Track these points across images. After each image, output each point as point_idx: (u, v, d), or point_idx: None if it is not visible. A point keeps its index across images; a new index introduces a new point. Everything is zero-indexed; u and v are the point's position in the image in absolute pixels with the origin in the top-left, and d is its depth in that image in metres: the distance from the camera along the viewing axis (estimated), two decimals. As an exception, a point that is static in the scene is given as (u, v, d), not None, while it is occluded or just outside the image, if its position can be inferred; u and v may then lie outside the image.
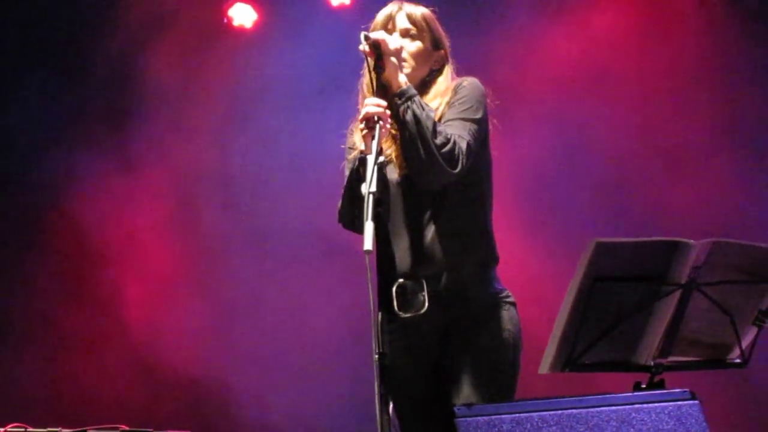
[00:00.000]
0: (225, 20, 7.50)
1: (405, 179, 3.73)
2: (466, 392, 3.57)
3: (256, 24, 7.50)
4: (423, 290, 3.63)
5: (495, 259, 3.79)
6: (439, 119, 3.70)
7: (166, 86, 7.40)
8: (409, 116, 3.56)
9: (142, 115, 7.45)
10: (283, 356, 7.20)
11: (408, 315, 3.63)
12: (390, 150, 3.76)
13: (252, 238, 7.38)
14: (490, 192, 3.87)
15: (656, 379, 3.44)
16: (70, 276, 7.33)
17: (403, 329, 3.67)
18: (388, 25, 3.88)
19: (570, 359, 3.39)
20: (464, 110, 3.74)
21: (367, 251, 3.16)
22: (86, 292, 7.32)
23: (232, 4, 7.50)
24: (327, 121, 6.01)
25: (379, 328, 3.25)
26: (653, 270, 3.35)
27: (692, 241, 3.35)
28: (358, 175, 3.57)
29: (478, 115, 3.75)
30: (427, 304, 3.61)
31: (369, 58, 3.61)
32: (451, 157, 3.56)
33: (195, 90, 7.45)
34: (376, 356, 3.23)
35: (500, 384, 3.62)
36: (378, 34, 3.65)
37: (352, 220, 3.73)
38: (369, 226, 3.21)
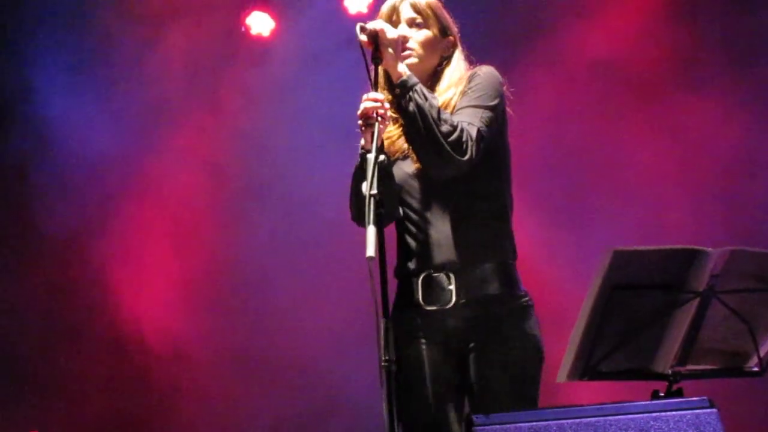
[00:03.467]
0: (243, 29, 7.53)
1: (423, 172, 3.68)
2: (488, 404, 3.55)
3: (274, 32, 7.53)
4: (450, 283, 3.59)
5: (515, 255, 3.74)
6: (453, 109, 3.66)
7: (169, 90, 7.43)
8: (411, 107, 3.49)
9: (149, 121, 7.48)
10: (282, 361, 7.21)
11: (434, 308, 3.59)
12: (405, 144, 3.72)
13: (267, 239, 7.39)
14: (509, 183, 3.79)
15: (674, 387, 3.43)
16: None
17: (426, 323, 3.62)
18: (393, 17, 3.79)
19: (588, 367, 3.39)
20: (477, 97, 3.66)
21: (370, 258, 3.13)
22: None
23: (249, 13, 7.53)
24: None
25: (385, 334, 3.21)
26: (671, 278, 3.35)
27: (710, 249, 3.34)
28: (361, 172, 3.53)
29: (493, 102, 3.66)
30: (454, 298, 3.58)
31: (367, 49, 3.55)
32: (459, 145, 3.48)
33: (206, 95, 7.48)
34: (384, 363, 3.20)
35: (524, 398, 3.60)
36: (374, 24, 3.58)
37: (360, 218, 3.65)
38: (371, 231, 3.16)
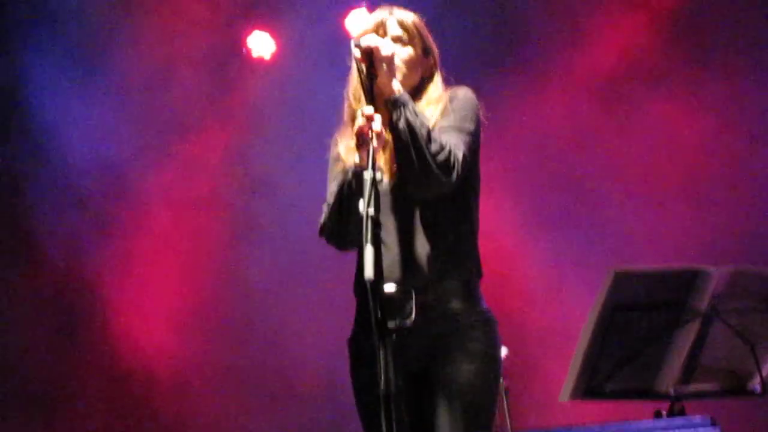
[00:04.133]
0: (244, 51, 7.55)
1: (394, 187, 3.66)
2: (444, 426, 3.51)
3: (275, 55, 7.55)
4: (411, 300, 3.56)
5: (479, 275, 3.72)
6: (432, 127, 3.65)
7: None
8: (402, 123, 3.46)
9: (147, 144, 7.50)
10: (286, 384, 7.21)
11: (396, 326, 3.53)
12: (380, 159, 3.69)
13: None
14: (477, 207, 3.79)
15: (677, 406, 3.43)
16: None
17: (387, 340, 3.56)
18: (379, 32, 3.77)
19: (591, 387, 3.39)
20: (460, 118, 3.62)
21: (369, 279, 3.12)
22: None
23: (250, 32, 7.55)
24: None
25: (384, 359, 3.19)
26: (673, 298, 3.35)
27: (712, 268, 3.34)
28: (350, 189, 3.47)
29: (474, 127, 3.65)
30: (414, 315, 3.54)
31: (361, 65, 3.48)
32: (447, 165, 3.45)
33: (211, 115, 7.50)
34: (382, 389, 3.19)
35: (478, 423, 3.56)
36: (371, 40, 3.57)
37: (340, 235, 3.58)
38: (369, 251, 3.12)
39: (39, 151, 7.30)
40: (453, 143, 3.53)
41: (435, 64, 3.83)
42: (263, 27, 7.54)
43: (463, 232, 3.68)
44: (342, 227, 3.58)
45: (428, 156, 3.46)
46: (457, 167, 3.50)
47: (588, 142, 7.03)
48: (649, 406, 3.49)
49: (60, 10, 7.20)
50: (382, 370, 3.17)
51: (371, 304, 3.19)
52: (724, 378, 3.51)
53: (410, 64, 3.76)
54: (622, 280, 3.27)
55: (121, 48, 7.25)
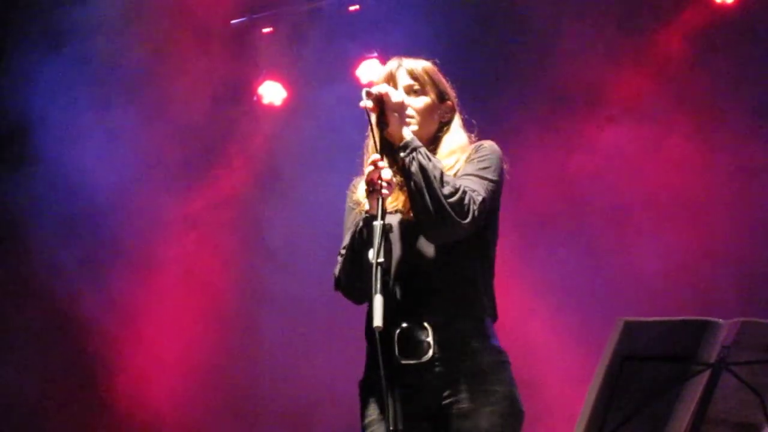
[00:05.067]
0: (255, 98, 7.60)
1: (411, 226, 3.67)
2: None
3: (286, 101, 7.60)
4: (428, 336, 3.56)
5: (494, 316, 3.71)
6: (455, 175, 3.66)
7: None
8: (414, 167, 3.46)
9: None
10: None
11: (411, 362, 3.53)
12: (396, 201, 3.71)
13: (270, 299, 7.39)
14: (494, 251, 3.79)
15: (686, 459, 3.41)
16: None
17: (402, 377, 3.49)
18: (390, 83, 3.78)
19: (599, 439, 3.38)
20: (482, 168, 3.65)
21: (377, 328, 3.12)
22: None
23: (261, 82, 7.61)
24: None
25: (393, 405, 3.19)
26: (682, 349, 3.34)
27: (721, 320, 3.34)
28: (361, 237, 3.52)
29: (497, 177, 3.68)
30: (431, 352, 3.54)
31: (372, 114, 3.53)
32: (461, 208, 3.46)
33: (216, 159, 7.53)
34: (390, 428, 3.19)
35: None
36: (380, 88, 3.58)
37: (354, 287, 3.62)
38: (378, 300, 3.14)
39: (44, 180, 7.31)
40: (470, 187, 3.55)
41: (453, 108, 3.85)
42: (275, 77, 7.62)
43: (479, 273, 3.69)
44: (355, 278, 3.59)
45: (441, 198, 3.47)
46: (473, 209, 3.51)
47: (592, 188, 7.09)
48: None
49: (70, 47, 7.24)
50: (389, 408, 3.18)
51: (379, 349, 3.21)
52: (733, 430, 3.49)
53: (425, 112, 3.79)
54: (630, 330, 3.26)
55: (131, 86, 7.31)
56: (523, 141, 6.94)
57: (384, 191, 3.41)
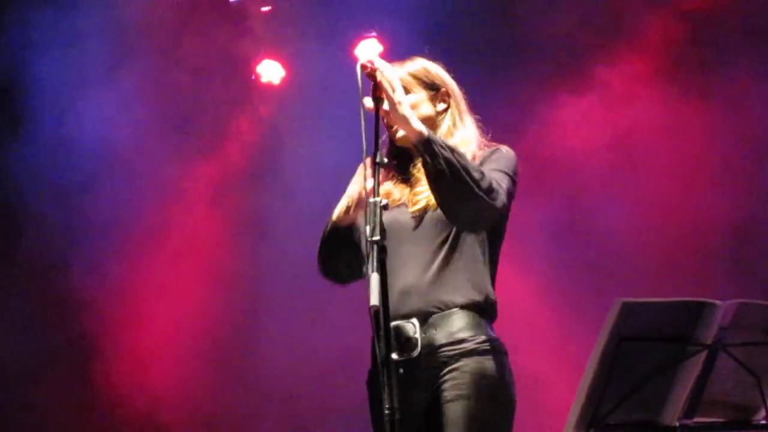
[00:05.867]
0: (253, 77, 7.58)
1: (416, 221, 3.67)
2: None
3: (284, 80, 7.58)
4: (415, 332, 3.56)
5: (492, 314, 3.68)
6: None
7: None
8: (441, 164, 3.40)
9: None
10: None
11: (402, 358, 3.54)
12: (402, 195, 3.72)
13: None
14: (498, 251, 3.79)
15: (682, 439, 3.42)
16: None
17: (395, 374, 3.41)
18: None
19: (595, 420, 3.38)
20: (504, 166, 3.65)
21: (374, 306, 3.12)
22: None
23: (259, 61, 7.58)
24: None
25: (388, 383, 3.19)
26: (679, 330, 3.35)
27: (718, 301, 3.34)
28: (347, 214, 3.62)
29: (515, 177, 3.67)
30: (419, 347, 3.54)
31: (376, 99, 3.49)
32: (490, 190, 3.44)
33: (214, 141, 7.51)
34: (387, 411, 3.18)
35: None
36: (376, 63, 3.51)
37: (332, 263, 3.72)
38: (375, 279, 3.15)
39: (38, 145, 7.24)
40: (496, 179, 3.54)
41: (447, 93, 3.83)
42: (273, 56, 7.58)
43: (479, 270, 3.68)
44: (333, 257, 3.60)
45: (473, 185, 3.43)
46: (502, 194, 3.50)
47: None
48: (655, 438, 3.48)
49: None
50: (386, 396, 3.17)
51: (377, 332, 3.20)
52: (729, 411, 3.50)
53: (417, 107, 3.77)
54: (628, 311, 3.27)
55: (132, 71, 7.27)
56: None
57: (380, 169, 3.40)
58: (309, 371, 7.22)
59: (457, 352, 3.53)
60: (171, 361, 7.29)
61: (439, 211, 3.57)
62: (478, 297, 3.61)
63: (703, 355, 3.37)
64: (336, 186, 6.38)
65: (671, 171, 7.01)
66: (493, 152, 3.73)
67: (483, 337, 3.55)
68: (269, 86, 7.60)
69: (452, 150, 3.46)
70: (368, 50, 7.22)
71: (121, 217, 7.35)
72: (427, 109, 3.78)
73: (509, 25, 7.28)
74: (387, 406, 3.17)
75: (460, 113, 3.82)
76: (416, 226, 3.65)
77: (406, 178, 3.76)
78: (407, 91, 3.71)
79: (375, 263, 3.19)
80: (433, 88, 3.81)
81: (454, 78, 3.88)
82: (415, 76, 3.80)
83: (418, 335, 3.53)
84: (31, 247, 7.27)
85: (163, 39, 7.28)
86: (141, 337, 7.32)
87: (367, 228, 3.26)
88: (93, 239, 7.31)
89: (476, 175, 3.44)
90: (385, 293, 3.24)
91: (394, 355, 3.45)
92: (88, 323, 7.26)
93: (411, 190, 3.73)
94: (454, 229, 3.62)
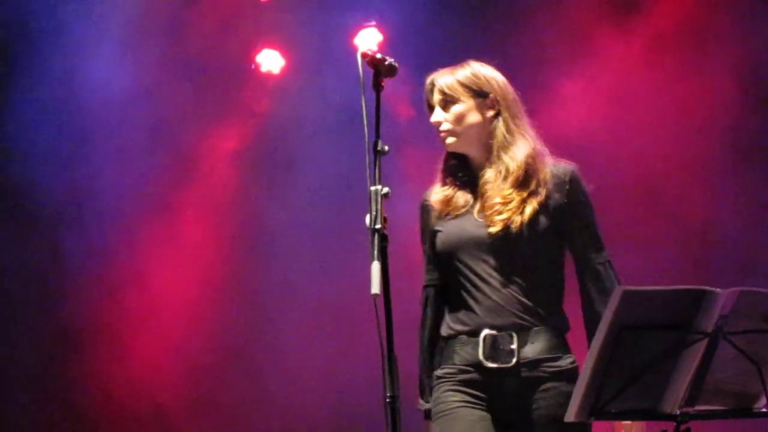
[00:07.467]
0: (252, 66, 7.57)
1: (493, 237, 3.72)
2: None
3: (284, 70, 7.57)
4: (513, 343, 3.65)
5: (568, 324, 3.85)
6: (545, 204, 3.73)
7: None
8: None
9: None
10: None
11: (495, 365, 3.65)
12: (467, 204, 3.78)
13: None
14: (564, 264, 3.92)
15: (682, 427, 3.42)
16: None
17: (485, 380, 3.71)
18: (426, 106, 3.87)
19: (595, 407, 3.38)
20: (597, 233, 3.83)
21: (375, 295, 3.16)
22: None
23: (259, 51, 7.57)
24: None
25: (389, 371, 3.23)
26: (679, 319, 3.35)
27: (718, 289, 3.34)
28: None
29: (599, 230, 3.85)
30: (515, 358, 3.64)
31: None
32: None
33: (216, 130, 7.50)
34: (388, 399, 3.22)
35: None
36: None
37: None
38: (376, 267, 3.18)
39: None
40: (605, 260, 3.79)
41: (495, 100, 3.83)
42: (273, 45, 7.57)
43: (556, 285, 3.79)
44: None
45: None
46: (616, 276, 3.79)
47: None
48: (655, 426, 3.48)
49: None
50: (387, 383, 3.20)
51: (377, 320, 3.23)
52: (730, 399, 3.50)
53: (458, 119, 3.81)
54: (629, 299, 3.27)
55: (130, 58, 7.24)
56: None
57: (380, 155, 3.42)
58: (313, 372, 7.21)
59: (555, 370, 3.65)
60: (170, 361, 7.29)
61: (520, 230, 3.67)
62: (561, 317, 3.74)
63: (704, 343, 3.37)
64: (337, 175, 6.41)
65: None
66: (578, 201, 3.79)
67: (572, 358, 3.69)
68: (269, 75, 7.59)
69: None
70: (368, 39, 7.21)
71: (113, 210, 7.34)
72: (475, 117, 3.80)
73: (510, 13, 7.27)
74: (389, 394, 3.21)
75: (513, 117, 3.83)
76: (495, 243, 3.72)
77: (468, 184, 3.80)
78: (454, 100, 3.75)
79: (376, 251, 3.22)
80: (481, 95, 3.82)
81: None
82: (463, 84, 3.82)
83: (515, 347, 3.61)
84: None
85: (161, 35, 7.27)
86: (141, 337, 7.32)
87: (367, 216, 3.29)
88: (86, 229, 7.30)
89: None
90: (387, 282, 3.27)
91: (490, 364, 3.55)
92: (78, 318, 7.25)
93: (482, 203, 3.76)
94: (534, 251, 3.73)
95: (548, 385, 3.70)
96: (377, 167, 3.38)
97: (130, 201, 7.35)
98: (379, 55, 3.57)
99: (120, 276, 7.34)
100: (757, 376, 3.43)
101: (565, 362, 3.74)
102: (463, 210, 3.77)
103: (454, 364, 3.72)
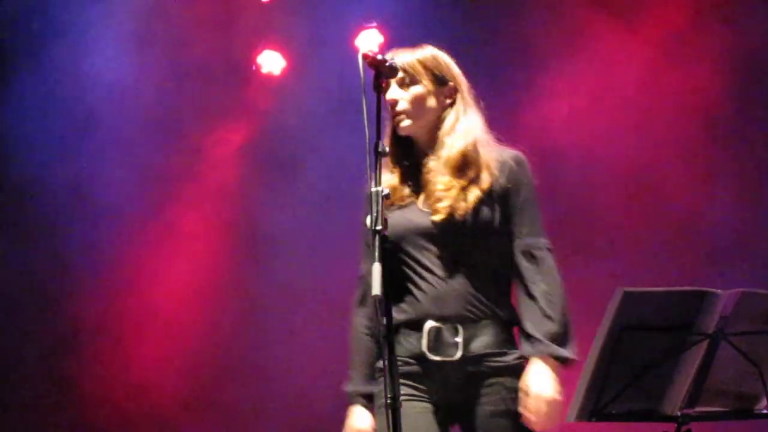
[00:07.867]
0: (254, 67, 7.57)
1: (437, 226, 3.66)
2: None
3: (285, 71, 7.57)
4: (458, 336, 3.59)
5: (515, 318, 3.74)
6: (489, 191, 3.66)
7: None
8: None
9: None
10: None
11: (438, 358, 3.58)
12: (411, 193, 3.73)
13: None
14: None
15: (683, 429, 3.42)
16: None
17: (426, 374, 3.61)
18: (383, 83, 3.61)
19: (597, 409, 3.39)
20: (537, 216, 3.73)
21: (376, 296, 3.14)
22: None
23: (260, 52, 7.57)
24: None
25: (390, 372, 3.21)
26: (680, 320, 3.35)
27: (720, 291, 3.34)
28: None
29: (540, 215, 3.76)
30: (460, 352, 3.58)
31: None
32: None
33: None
34: (389, 401, 3.20)
35: None
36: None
37: None
38: (377, 268, 3.17)
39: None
40: (545, 246, 3.68)
41: (455, 89, 3.80)
42: (274, 47, 7.56)
43: (503, 272, 3.72)
44: None
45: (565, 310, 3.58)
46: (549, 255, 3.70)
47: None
48: (656, 428, 3.48)
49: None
50: (387, 384, 3.19)
51: (377, 321, 3.22)
52: (731, 400, 3.51)
53: (415, 101, 3.76)
54: (630, 300, 3.27)
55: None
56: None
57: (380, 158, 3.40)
58: (312, 369, 7.21)
59: (500, 365, 3.59)
60: (171, 362, 7.29)
61: (464, 218, 3.60)
62: (508, 310, 3.67)
63: (705, 344, 3.37)
64: (338, 175, 6.39)
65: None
66: (520, 183, 3.72)
67: (515, 352, 3.62)
68: (269, 77, 7.59)
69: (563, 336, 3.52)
70: (369, 40, 7.21)
71: (113, 209, 7.34)
72: (432, 102, 3.74)
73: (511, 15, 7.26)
74: (389, 395, 3.19)
75: (464, 107, 3.80)
76: (439, 232, 3.64)
77: (412, 173, 3.75)
78: (414, 81, 3.72)
79: (378, 253, 3.20)
80: (441, 82, 3.77)
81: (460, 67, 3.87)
82: (424, 66, 3.75)
83: (460, 340, 3.58)
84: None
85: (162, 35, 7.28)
86: (140, 336, 7.32)
87: (368, 218, 3.27)
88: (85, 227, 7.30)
89: (563, 304, 3.55)
90: (386, 283, 3.25)
91: (434, 356, 3.53)
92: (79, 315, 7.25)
93: (425, 192, 3.71)
94: (481, 240, 3.64)
95: (493, 380, 3.59)
96: (378, 168, 3.36)
97: (131, 201, 7.34)
98: (380, 57, 3.54)
99: (120, 276, 7.32)
100: (757, 377, 3.43)
101: (510, 357, 3.61)
102: (408, 200, 3.72)
103: (398, 356, 3.65)
